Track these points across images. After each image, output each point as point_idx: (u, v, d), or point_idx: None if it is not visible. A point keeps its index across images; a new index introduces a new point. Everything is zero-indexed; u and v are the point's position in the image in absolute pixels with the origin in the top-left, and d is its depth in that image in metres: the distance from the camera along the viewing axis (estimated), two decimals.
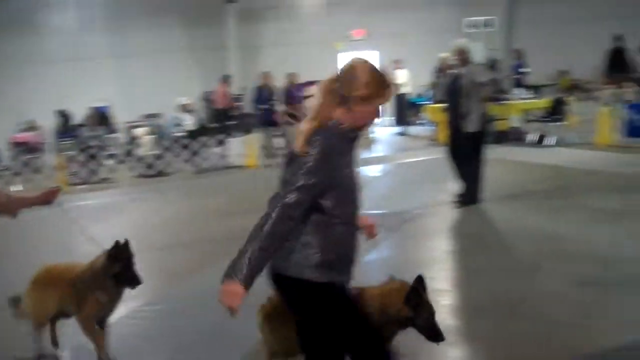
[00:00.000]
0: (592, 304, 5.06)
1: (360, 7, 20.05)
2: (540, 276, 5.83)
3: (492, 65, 19.33)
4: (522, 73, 18.11)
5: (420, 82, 19.20)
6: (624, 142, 12.62)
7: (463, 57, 8.72)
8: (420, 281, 3.29)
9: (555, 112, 14.12)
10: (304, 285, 2.96)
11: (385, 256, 6.94)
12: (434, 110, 16.05)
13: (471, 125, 8.55)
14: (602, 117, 13.02)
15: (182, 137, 15.19)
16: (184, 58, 20.92)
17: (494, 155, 12.93)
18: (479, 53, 18.86)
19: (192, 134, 15.21)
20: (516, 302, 5.27)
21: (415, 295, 3.25)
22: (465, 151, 8.69)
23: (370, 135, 15.27)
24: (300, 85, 15.69)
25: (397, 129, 18.64)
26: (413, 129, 18.28)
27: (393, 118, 19.61)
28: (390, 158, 14.05)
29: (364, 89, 2.88)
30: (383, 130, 18.39)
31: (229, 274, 2.75)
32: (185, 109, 16.04)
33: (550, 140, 13.86)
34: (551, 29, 21.53)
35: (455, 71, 8.92)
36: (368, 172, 12.61)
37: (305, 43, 20.08)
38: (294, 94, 15.66)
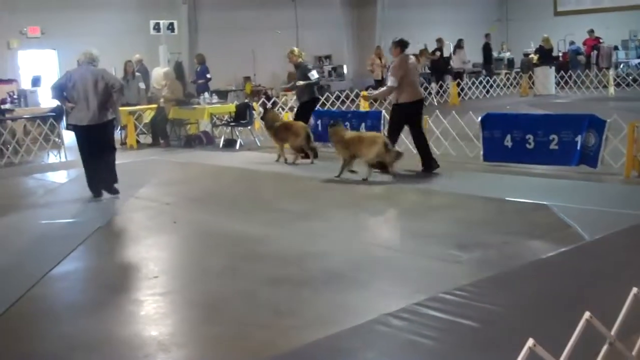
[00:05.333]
0: (283, 302, 5.26)
1: (35, 4, 18.82)
2: (233, 278, 5.94)
3: (178, 68, 19.51)
4: (207, 78, 18.49)
5: None
6: None
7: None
8: None
9: (242, 116, 14.62)
10: None
11: (82, 267, 6.65)
12: (122, 114, 15.69)
13: None
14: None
15: None
16: None
17: (185, 159, 13.13)
18: (163, 56, 18.98)
19: None
20: (210, 306, 5.31)
21: None
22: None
23: (57, 140, 14.36)
24: None
25: None
26: None
27: None
28: (77, 163, 13.33)
29: None
30: (68, 133, 17.43)
31: None
32: None
33: (237, 144, 14.34)
34: (232, 35, 22.32)
35: None
36: (53, 178, 11.91)
37: None
38: None
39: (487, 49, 25.02)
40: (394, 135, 10.28)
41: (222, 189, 10.31)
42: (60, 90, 9.55)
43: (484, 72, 25.20)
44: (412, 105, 10.07)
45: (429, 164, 10.21)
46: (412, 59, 10.33)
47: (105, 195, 9.65)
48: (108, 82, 9.45)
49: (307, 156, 11.59)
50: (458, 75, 23.11)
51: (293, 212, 8.39)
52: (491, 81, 23.23)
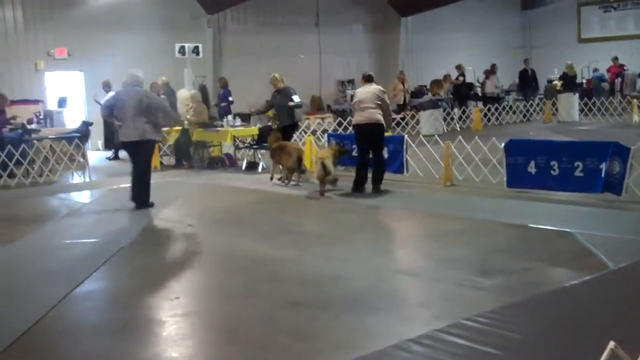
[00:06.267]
0: (303, 326, 5.25)
1: (63, 26, 19.13)
2: (254, 300, 5.94)
3: (202, 91, 19.68)
4: (229, 101, 18.62)
5: None
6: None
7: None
8: None
9: (264, 139, 14.66)
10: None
11: (104, 287, 6.71)
12: None
13: None
14: (307, 144, 13.83)
15: None
16: None
17: (207, 181, 13.20)
18: (187, 79, 19.17)
19: None
20: (231, 328, 5.31)
21: None
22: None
23: (81, 160, 14.52)
24: None
25: (108, 154, 18.01)
26: (124, 153, 17.79)
27: (102, 142, 18.95)
28: (101, 184, 13.48)
29: None
30: (93, 154, 17.63)
31: None
32: None
33: (259, 166, 14.40)
34: (256, 59, 22.48)
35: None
36: (77, 198, 12.02)
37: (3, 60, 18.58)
38: None
39: (524, 75, 24.95)
40: (359, 156, 11.32)
41: (243, 211, 10.34)
42: (110, 110, 10.50)
43: (507, 98, 25.21)
44: (355, 128, 11.22)
45: (356, 187, 11.04)
46: (372, 87, 11.08)
47: (137, 208, 10.31)
48: (151, 102, 10.24)
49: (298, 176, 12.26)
50: (492, 99, 23.36)
51: (313, 235, 8.39)
52: (514, 107, 23.17)
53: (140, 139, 10.12)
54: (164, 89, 18.09)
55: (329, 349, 4.74)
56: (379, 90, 11.05)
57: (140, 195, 10.34)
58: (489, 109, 22.27)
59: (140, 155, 10.33)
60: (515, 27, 31.29)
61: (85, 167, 14.22)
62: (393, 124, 12.44)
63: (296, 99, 13.21)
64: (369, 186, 10.98)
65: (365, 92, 11.13)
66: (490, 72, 24.09)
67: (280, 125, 13.44)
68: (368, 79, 11.34)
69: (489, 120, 22.07)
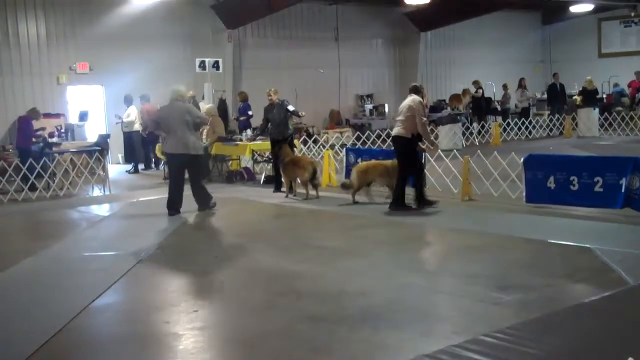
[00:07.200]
0: (320, 340, 5.24)
1: (85, 41, 19.34)
2: (271, 314, 5.94)
3: (222, 105, 19.82)
4: (248, 115, 18.71)
5: None
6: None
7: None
8: None
9: None
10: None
11: (122, 300, 6.74)
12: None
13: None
14: (326, 158, 13.85)
15: None
16: None
17: (226, 194, 13.24)
18: (207, 93, 19.29)
19: None
20: (248, 341, 5.31)
21: None
22: None
23: (101, 173, 14.65)
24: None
25: (128, 167, 18.14)
26: (143, 166, 17.97)
27: (122, 155, 19.08)
28: (120, 197, 13.57)
29: None
30: (113, 168, 17.76)
31: None
32: None
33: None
34: (276, 74, 22.56)
35: None
36: (97, 211, 12.11)
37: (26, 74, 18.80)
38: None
39: (553, 90, 24.86)
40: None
41: (262, 224, 10.36)
42: (157, 124, 11.27)
43: (531, 111, 25.22)
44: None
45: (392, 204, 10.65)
46: (407, 100, 10.69)
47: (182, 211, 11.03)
48: (193, 117, 10.94)
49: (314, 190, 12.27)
50: (519, 114, 24.28)
51: (332, 249, 8.39)
52: (533, 122, 23.08)
53: (184, 152, 10.73)
54: (191, 102, 18.24)
55: None
56: (411, 101, 10.62)
57: (203, 200, 11.16)
58: (507, 124, 22.18)
59: (195, 167, 11.13)
60: (535, 42, 31.23)
61: (105, 181, 14.33)
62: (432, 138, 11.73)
63: (291, 108, 13.29)
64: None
65: (401, 105, 10.87)
66: (519, 86, 24.38)
67: (283, 136, 13.09)
68: (409, 91, 10.99)
69: (508, 134, 21.96)
